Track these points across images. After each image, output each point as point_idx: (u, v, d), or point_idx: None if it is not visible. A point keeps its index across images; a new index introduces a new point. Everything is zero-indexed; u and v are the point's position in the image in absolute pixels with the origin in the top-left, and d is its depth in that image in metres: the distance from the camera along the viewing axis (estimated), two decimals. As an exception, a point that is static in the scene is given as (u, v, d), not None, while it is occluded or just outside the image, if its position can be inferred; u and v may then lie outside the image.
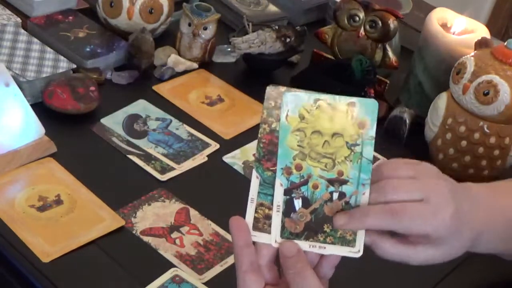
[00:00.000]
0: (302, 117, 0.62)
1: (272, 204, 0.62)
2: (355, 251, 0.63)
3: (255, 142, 1.04)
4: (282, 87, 0.62)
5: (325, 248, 0.63)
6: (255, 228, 0.63)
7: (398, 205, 0.63)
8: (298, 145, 0.62)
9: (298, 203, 0.62)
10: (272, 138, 0.62)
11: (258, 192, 0.62)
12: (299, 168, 0.62)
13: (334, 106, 0.62)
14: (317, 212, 0.63)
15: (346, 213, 0.62)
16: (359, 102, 0.62)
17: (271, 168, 0.62)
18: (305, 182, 0.62)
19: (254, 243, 0.63)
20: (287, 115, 0.61)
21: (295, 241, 0.63)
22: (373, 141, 0.62)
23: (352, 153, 0.62)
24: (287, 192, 0.62)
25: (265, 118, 0.62)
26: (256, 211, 0.62)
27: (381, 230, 0.64)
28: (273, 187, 0.62)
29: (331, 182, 0.62)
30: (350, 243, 0.63)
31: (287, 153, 0.62)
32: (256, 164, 0.62)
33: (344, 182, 0.62)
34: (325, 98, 0.62)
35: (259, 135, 0.62)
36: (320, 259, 0.64)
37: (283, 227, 0.62)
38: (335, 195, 0.63)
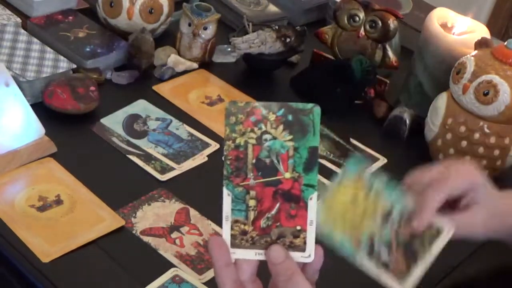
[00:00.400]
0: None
1: (246, 219, 0.63)
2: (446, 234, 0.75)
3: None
4: (240, 101, 0.62)
5: (432, 253, 0.74)
6: (233, 245, 0.62)
7: (442, 174, 0.79)
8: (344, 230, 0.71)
9: (384, 253, 0.72)
10: (238, 154, 0.62)
11: (232, 209, 0.62)
12: (358, 241, 0.71)
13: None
14: (401, 243, 0.73)
15: (415, 217, 0.74)
16: None
17: (241, 184, 0.62)
18: (372, 241, 0.72)
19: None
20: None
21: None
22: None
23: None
24: (369, 257, 0.71)
25: (228, 134, 0.62)
26: (232, 228, 0.62)
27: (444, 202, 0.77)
28: (244, 202, 0.62)
29: (385, 221, 0.73)
30: (439, 232, 0.75)
31: (345, 241, 0.71)
32: (226, 182, 0.63)
33: (391, 212, 0.73)
34: None
35: (224, 153, 0.62)
36: (303, 265, 0.64)
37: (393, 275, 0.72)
38: (396, 222, 0.74)
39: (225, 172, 0.63)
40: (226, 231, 0.62)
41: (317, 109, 0.61)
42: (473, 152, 1.04)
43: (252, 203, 0.62)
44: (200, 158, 1.02)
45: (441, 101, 1.07)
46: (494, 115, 1.01)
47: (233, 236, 0.62)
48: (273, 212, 0.62)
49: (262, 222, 0.62)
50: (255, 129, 0.62)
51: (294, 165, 0.62)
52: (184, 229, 0.89)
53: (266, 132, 0.62)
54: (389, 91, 1.21)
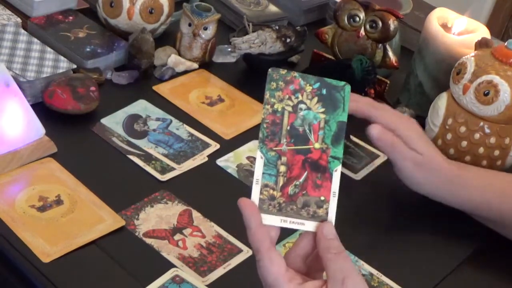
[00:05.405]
0: None
1: (276, 184, 0.64)
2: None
3: (248, 145, 1.06)
4: (282, 70, 0.66)
5: None
6: (261, 210, 0.64)
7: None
8: None
9: None
10: (275, 119, 0.64)
11: (263, 173, 0.64)
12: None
13: None
14: None
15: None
16: None
17: (274, 148, 0.64)
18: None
19: None
20: None
21: None
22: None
23: None
24: None
25: (268, 99, 0.65)
26: (261, 193, 0.64)
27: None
28: (276, 167, 0.64)
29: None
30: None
31: None
32: (260, 145, 0.64)
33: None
34: None
35: (262, 116, 0.64)
36: None
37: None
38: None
39: (260, 135, 0.65)
40: (255, 195, 0.64)
41: (348, 87, 0.66)
42: (473, 152, 1.04)
43: (282, 168, 0.64)
44: (201, 158, 1.02)
45: (441, 101, 1.07)
46: (494, 115, 1.01)
47: (261, 201, 0.64)
48: (301, 180, 0.64)
49: (290, 189, 0.64)
50: (293, 97, 0.65)
51: (324, 137, 0.65)
52: (187, 231, 0.89)
53: (302, 101, 0.65)
54: (389, 91, 1.21)
